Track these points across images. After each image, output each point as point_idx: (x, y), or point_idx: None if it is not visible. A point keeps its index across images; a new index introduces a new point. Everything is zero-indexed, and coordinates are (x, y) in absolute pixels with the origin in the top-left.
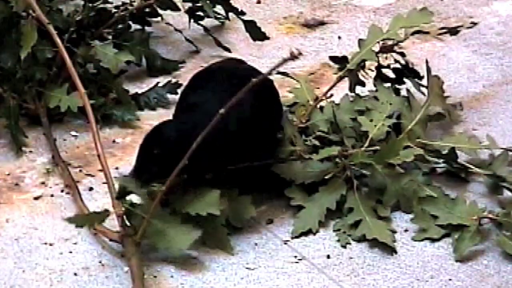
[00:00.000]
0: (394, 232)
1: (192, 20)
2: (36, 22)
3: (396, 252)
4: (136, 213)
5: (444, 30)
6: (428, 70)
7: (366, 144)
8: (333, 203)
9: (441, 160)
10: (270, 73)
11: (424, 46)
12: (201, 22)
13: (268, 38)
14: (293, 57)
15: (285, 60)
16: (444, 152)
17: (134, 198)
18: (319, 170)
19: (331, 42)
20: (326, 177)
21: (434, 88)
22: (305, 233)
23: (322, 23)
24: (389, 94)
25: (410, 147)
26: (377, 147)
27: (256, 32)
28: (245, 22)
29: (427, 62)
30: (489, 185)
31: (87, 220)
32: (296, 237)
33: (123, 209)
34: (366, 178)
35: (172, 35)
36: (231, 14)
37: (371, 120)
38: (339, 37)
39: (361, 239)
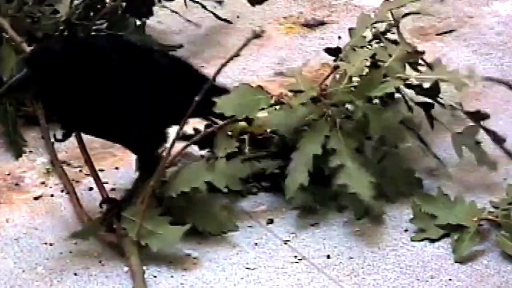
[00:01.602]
0: (375, 190)
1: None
2: (12, 42)
3: (372, 211)
4: (127, 217)
5: (447, 30)
6: (397, 25)
7: (345, 81)
8: (318, 148)
9: (422, 92)
10: (237, 55)
11: (424, 46)
12: (201, 23)
13: (266, 0)
14: (256, 35)
15: (248, 40)
16: (427, 85)
17: None
18: (301, 115)
19: (331, 42)
20: (307, 118)
21: (404, 38)
22: (308, 227)
23: (322, 23)
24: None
25: (389, 81)
26: (356, 84)
27: None
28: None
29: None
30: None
31: (89, 231)
32: (294, 209)
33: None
34: (346, 115)
35: (172, 36)
36: (230, 14)
37: (349, 62)
38: (339, 37)
39: (340, 188)
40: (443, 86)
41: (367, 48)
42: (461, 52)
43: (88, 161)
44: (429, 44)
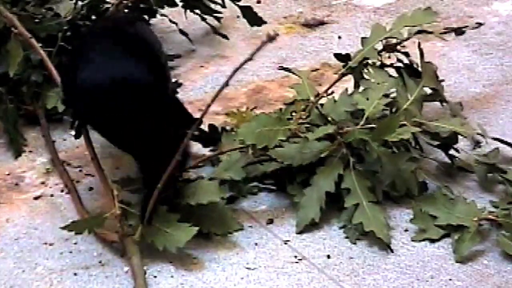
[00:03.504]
0: (390, 227)
1: (188, 11)
2: (21, 37)
3: (391, 250)
4: (134, 213)
5: (449, 30)
6: (421, 53)
7: (362, 122)
8: (332, 185)
9: (436, 143)
10: (251, 58)
11: (424, 46)
12: (201, 23)
13: (265, 22)
14: (271, 38)
15: (263, 43)
16: (444, 135)
17: None
18: (316, 150)
19: (331, 42)
20: (322, 155)
21: (427, 70)
22: (308, 227)
23: (322, 23)
24: (383, 74)
25: (406, 125)
26: (373, 125)
27: (252, 18)
28: (242, 8)
29: (419, 44)
30: (481, 177)
31: (85, 225)
32: (301, 232)
33: (119, 211)
34: (362, 156)
35: (172, 36)
36: (230, 14)
37: (367, 99)
38: (339, 37)
39: (359, 231)
40: (444, 84)
41: (384, 83)
42: (461, 52)
43: (94, 159)
44: (429, 44)
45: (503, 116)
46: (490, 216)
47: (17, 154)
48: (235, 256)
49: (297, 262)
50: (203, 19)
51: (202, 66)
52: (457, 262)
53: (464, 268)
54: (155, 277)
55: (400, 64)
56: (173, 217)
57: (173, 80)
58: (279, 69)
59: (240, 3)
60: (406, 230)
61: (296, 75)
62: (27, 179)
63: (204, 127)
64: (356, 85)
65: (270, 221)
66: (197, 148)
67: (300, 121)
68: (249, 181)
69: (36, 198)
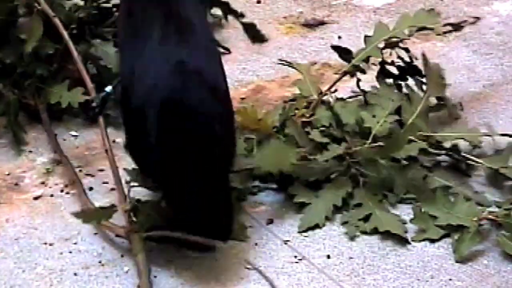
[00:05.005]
0: (404, 222)
1: None
2: (42, 16)
3: (409, 243)
4: (143, 209)
5: (449, 28)
6: (425, 61)
7: (369, 141)
8: (339, 200)
9: (443, 152)
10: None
11: (424, 46)
12: None
13: (266, 41)
14: None
15: None
16: (447, 145)
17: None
18: (323, 168)
19: (331, 42)
20: (332, 176)
21: (433, 77)
22: (310, 228)
23: (322, 23)
24: (390, 90)
25: (413, 141)
26: (381, 143)
27: (255, 35)
28: (244, 25)
29: (423, 54)
30: (490, 177)
31: (94, 216)
32: (303, 231)
33: (129, 206)
34: (370, 174)
35: None
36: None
37: (373, 116)
38: (339, 37)
39: (373, 232)
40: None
41: (392, 100)
42: (461, 52)
43: (109, 150)
44: (429, 44)
45: (503, 116)
46: (490, 216)
47: (18, 145)
48: (235, 256)
49: (297, 262)
50: None
51: None
52: (457, 262)
53: (464, 268)
54: (155, 277)
55: (401, 63)
56: None
57: None
58: (279, 63)
59: (241, 11)
60: (406, 231)
61: (296, 69)
62: (27, 179)
63: None
64: (357, 83)
65: (270, 221)
66: None
67: (304, 119)
68: (249, 181)
69: (36, 198)
